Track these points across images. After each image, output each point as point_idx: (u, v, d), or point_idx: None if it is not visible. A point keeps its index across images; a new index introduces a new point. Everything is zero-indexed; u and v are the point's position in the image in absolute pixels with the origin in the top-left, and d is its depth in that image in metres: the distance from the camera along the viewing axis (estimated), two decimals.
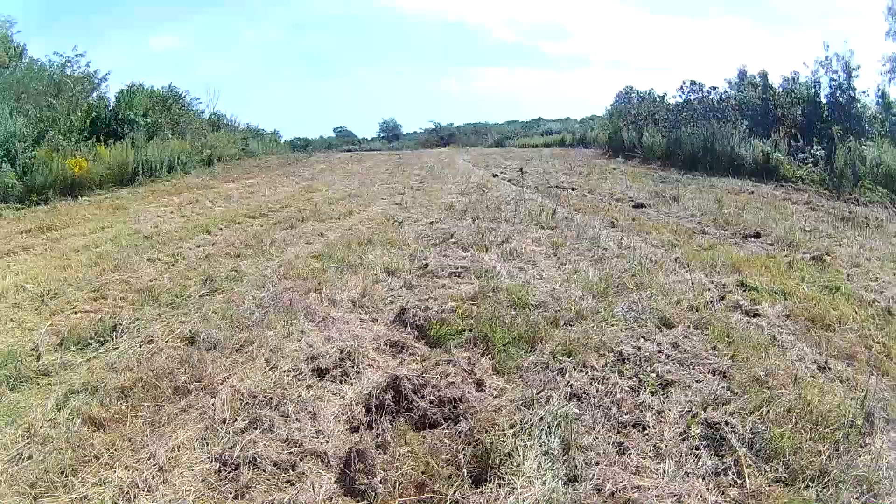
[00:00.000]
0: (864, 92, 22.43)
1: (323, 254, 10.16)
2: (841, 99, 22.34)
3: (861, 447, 4.45)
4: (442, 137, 53.74)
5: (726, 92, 27.39)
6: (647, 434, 4.68)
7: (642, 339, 6.31)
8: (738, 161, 20.97)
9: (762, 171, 19.99)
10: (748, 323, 6.92)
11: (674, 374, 5.58)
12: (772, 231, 11.49)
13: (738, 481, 4.13)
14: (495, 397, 5.29)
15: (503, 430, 4.56)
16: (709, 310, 7.21)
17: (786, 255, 9.80)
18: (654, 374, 5.57)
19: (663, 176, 20.87)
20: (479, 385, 5.43)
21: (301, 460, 4.48)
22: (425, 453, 4.47)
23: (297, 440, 4.71)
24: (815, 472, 4.12)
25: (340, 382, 5.72)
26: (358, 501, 4.09)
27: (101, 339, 6.66)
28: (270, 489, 4.21)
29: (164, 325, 7.03)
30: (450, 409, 5.02)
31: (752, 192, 16.85)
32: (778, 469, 4.20)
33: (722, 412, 4.88)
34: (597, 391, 5.28)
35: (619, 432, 4.70)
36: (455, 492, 4.04)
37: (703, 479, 4.16)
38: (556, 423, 4.66)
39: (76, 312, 7.54)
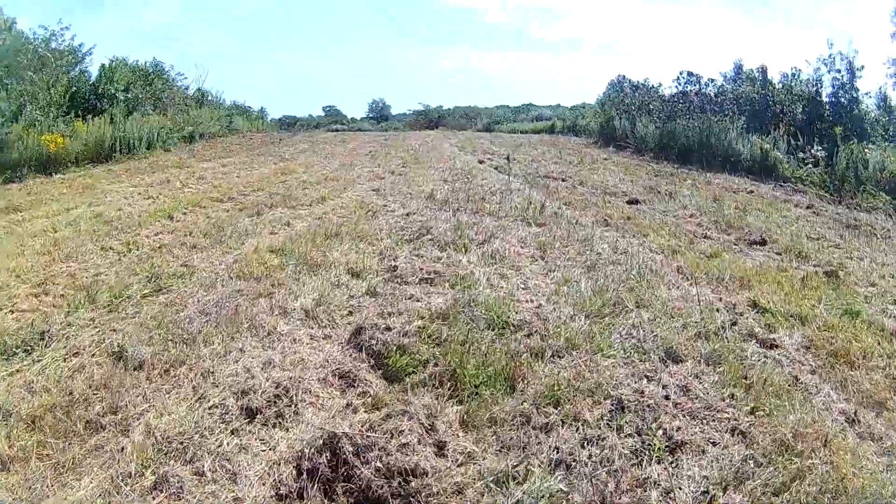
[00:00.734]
0: (866, 94, 21.64)
1: (284, 248, 9.11)
2: (843, 99, 21.38)
3: None
4: (431, 120, 52.20)
5: (723, 85, 26.45)
6: None
7: (645, 380, 5.12)
8: (734, 157, 19.92)
9: (760, 168, 19.04)
10: (765, 357, 5.79)
11: (684, 431, 4.38)
12: (778, 238, 10.45)
13: None
14: (459, 465, 4.08)
15: None
16: (721, 338, 6.04)
17: (796, 268, 8.76)
18: (660, 432, 4.36)
19: (657, 169, 19.77)
20: (441, 448, 4.19)
21: None
22: None
23: None
24: None
25: (273, 426, 4.62)
26: None
27: (28, 348, 5.87)
28: None
29: (95, 333, 6.19)
30: (399, 483, 3.82)
31: (752, 192, 15.81)
32: None
33: (744, 493, 3.78)
34: (589, 457, 4.09)
35: None
36: None
37: None
38: None
39: (13, 312, 6.85)
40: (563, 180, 16.57)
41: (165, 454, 4.20)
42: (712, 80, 27.20)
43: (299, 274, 7.97)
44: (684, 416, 4.60)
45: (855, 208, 14.40)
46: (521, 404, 4.74)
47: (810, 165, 18.21)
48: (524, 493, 3.69)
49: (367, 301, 7.05)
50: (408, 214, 11.44)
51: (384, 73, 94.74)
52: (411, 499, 3.74)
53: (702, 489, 3.81)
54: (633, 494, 3.76)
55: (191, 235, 10.02)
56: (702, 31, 77.28)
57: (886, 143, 18.34)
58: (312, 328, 6.39)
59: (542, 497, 3.65)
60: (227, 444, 4.32)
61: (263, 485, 3.95)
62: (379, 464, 3.91)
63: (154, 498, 3.78)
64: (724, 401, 4.86)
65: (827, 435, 4.35)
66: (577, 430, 4.39)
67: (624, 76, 37.93)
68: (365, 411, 4.80)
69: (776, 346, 6.04)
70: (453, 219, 10.44)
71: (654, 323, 6.30)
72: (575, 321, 6.23)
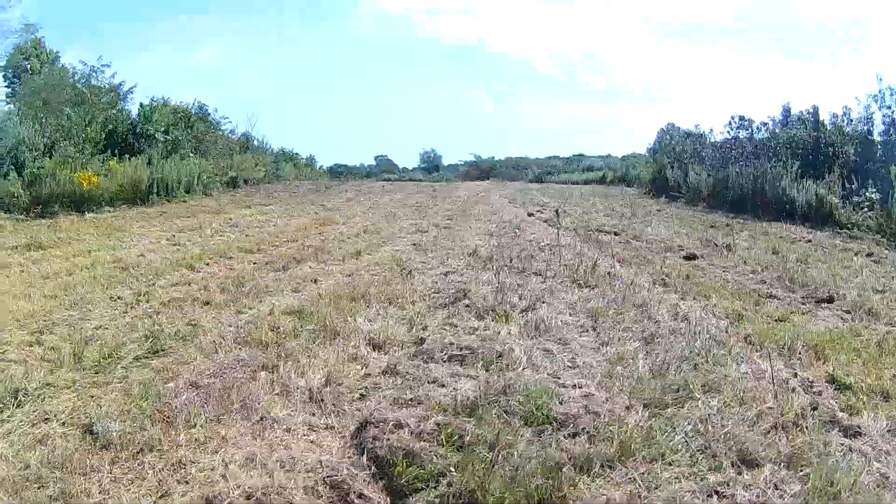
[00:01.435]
0: None
1: (303, 310, 8.09)
2: (895, 137, 20.26)
3: None
4: (482, 170, 52.38)
5: (774, 129, 25.19)
6: None
7: (715, 497, 3.97)
8: (789, 204, 18.94)
9: (815, 215, 18.05)
10: (850, 449, 4.69)
11: None
12: (844, 293, 9.31)
13: None
14: None
15: None
16: (801, 429, 4.92)
17: (869, 329, 7.66)
18: None
19: (711, 219, 18.74)
20: None
21: None
22: None
23: None
24: None
25: None
26: None
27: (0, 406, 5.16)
28: None
29: (72, 398, 5.41)
30: None
31: (810, 241, 14.80)
32: None
33: None
34: None
35: None
36: None
37: None
38: None
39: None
40: (615, 234, 15.48)
41: None
42: (764, 124, 26.04)
43: (313, 343, 6.95)
44: None
45: None
46: None
47: (865, 209, 17.19)
48: None
49: (384, 382, 5.96)
50: (447, 274, 10.37)
51: (437, 123, 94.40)
52: None
53: None
54: None
55: (207, 290, 9.14)
56: (748, 75, 75.91)
57: None
58: (314, 414, 5.31)
59: None
60: None
61: None
62: None
63: None
64: None
65: None
66: None
67: (673, 124, 37.98)
68: None
69: (860, 434, 4.97)
70: (495, 280, 9.31)
71: (723, 413, 5.13)
72: (631, 414, 5.04)
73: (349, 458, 4.54)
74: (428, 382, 5.79)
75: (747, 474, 4.25)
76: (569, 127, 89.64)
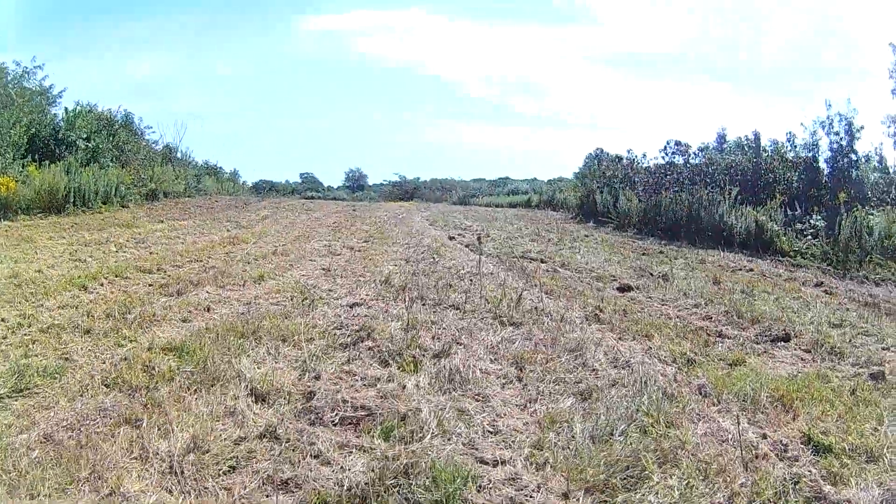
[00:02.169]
0: (865, 156, 20.59)
1: (186, 346, 6.79)
2: (842, 163, 19.90)
3: None
4: (406, 191, 51.42)
5: (713, 155, 24.38)
6: None
7: None
8: (727, 231, 18.11)
9: (756, 242, 17.31)
10: None
11: None
12: (800, 329, 8.46)
13: None
14: None
15: None
16: None
17: (835, 372, 6.83)
18: None
19: (643, 246, 17.61)
20: None
21: None
22: None
23: None
24: None
25: None
26: None
27: None
28: None
29: None
30: None
31: (752, 270, 13.92)
32: None
33: None
34: None
35: None
36: None
37: None
38: None
39: None
40: (542, 261, 14.22)
41: None
42: (702, 150, 25.21)
43: (188, 390, 5.69)
44: None
45: (863, 281, 13.13)
46: None
47: (809, 237, 16.80)
48: None
49: (260, 448, 4.64)
50: (353, 305, 8.95)
51: (363, 142, 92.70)
52: None
53: None
54: None
55: (90, 316, 7.95)
56: (686, 104, 75.70)
57: (889, 206, 17.01)
58: (171, 492, 4.06)
59: None
60: None
61: None
62: None
63: None
64: None
65: None
66: None
67: (602, 149, 37.99)
68: None
69: None
70: (406, 314, 7.97)
71: (688, 498, 3.95)
72: None
73: None
74: (311, 456, 4.48)
75: None
76: (498, 150, 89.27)
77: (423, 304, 8.98)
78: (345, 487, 3.91)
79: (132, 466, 4.29)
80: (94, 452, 4.38)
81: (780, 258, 15.66)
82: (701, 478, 4.15)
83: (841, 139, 19.75)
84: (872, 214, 16.37)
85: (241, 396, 5.50)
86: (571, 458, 4.46)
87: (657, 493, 3.93)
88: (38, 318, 7.79)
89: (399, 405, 5.23)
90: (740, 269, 13.89)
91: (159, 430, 4.81)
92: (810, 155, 20.64)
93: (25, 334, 7.21)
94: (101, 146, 23.54)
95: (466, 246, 16.42)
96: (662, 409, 5.28)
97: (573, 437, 4.80)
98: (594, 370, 6.43)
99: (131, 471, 4.23)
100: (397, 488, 3.91)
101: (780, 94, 62.49)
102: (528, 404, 5.56)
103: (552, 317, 8.53)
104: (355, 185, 61.79)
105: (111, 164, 23.57)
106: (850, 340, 7.89)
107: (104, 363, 6.34)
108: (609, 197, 24.74)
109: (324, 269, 12.19)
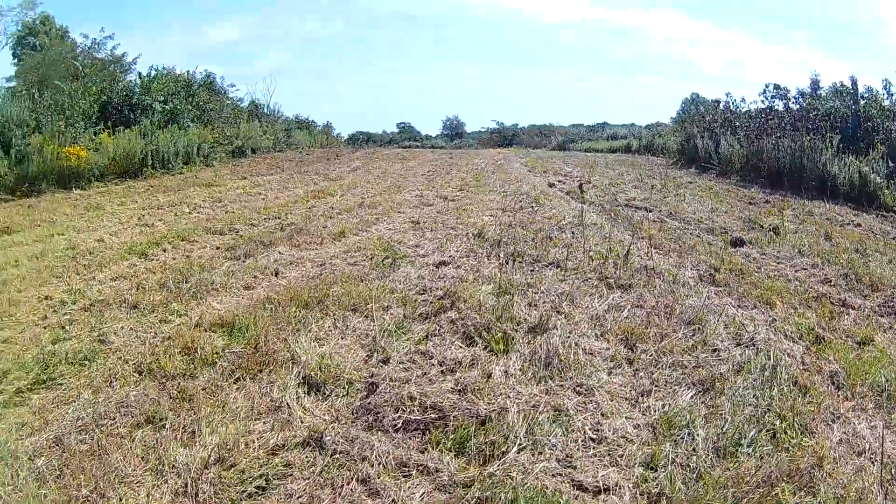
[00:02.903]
0: None
1: (239, 320, 5.85)
2: None
3: None
4: (505, 137, 50.00)
5: (812, 101, 22.43)
6: None
7: None
8: (830, 181, 16.43)
9: (859, 194, 15.59)
10: None
11: None
12: None
13: None
14: None
15: None
16: None
17: None
18: None
19: (748, 195, 16.12)
20: None
21: None
22: None
23: None
24: None
25: None
26: None
27: None
28: None
29: None
30: None
31: (859, 225, 12.31)
32: None
33: None
34: None
35: None
36: None
37: None
38: None
39: None
40: (647, 210, 12.89)
41: None
42: (801, 94, 23.20)
43: (230, 377, 4.80)
44: None
45: None
46: None
47: None
48: None
49: (299, 462, 3.71)
50: (440, 264, 7.85)
51: (461, 92, 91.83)
52: None
53: None
54: None
55: (141, 288, 7.15)
56: (770, 57, 73.14)
57: None
58: None
59: None
60: None
61: None
62: None
63: None
64: None
65: None
66: None
67: (697, 94, 37.19)
68: None
69: None
70: (501, 274, 6.89)
71: None
72: None
73: None
74: (358, 481, 3.42)
75: None
76: (594, 95, 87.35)
77: (520, 262, 7.84)
78: None
79: (142, 482, 3.53)
80: (103, 463, 3.66)
81: (885, 213, 14.05)
82: None
83: None
84: None
85: (290, 386, 4.55)
86: (692, 482, 3.36)
87: None
88: (84, 294, 7.08)
89: (480, 403, 4.14)
90: (848, 224, 12.42)
91: (184, 432, 4.01)
92: None
93: (66, 313, 6.51)
94: (179, 107, 22.86)
95: (567, 193, 15.16)
96: (795, 408, 4.28)
97: (694, 447, 3.72)
98: (715, 350, 5.30)
99: (139, 489, 3.46)
100: None
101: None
102: (641, 398, 4.44)
103: (664, 277, 7.35)
104: (453, 132, 60.34)
105: (191, 124, 22.95)
106: None
107: (143, 344, 5.56)
108: (710, 142, 23.19)
109: (413, 221, 11.12)
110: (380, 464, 3.51)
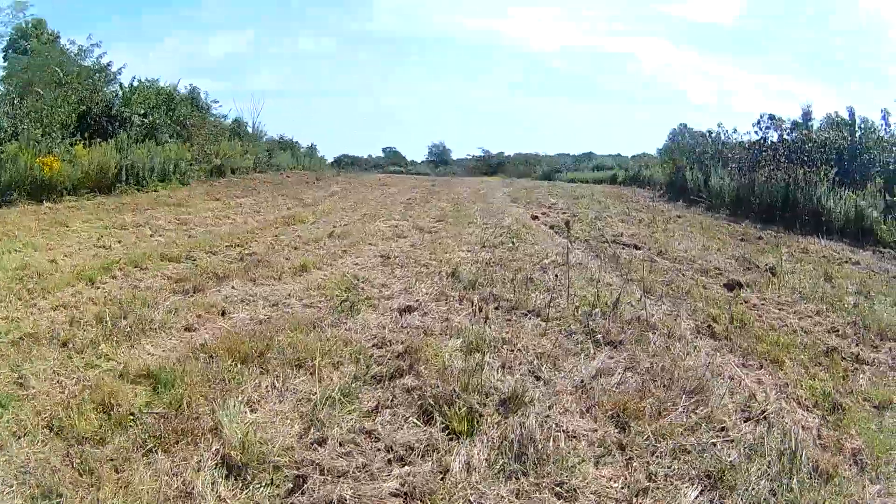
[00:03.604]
0: None
1: (166, 375, 5.00)
2: None
3: None
4: (490, 165, 49.73)
5: (808, 132, 21.75)
6: None
7: None
8: (824, 216, 15.85)
9: (854, 230, 15.10)
10: None
11: None
12: None
13: None
14: None
15: None
16: None
17: None
18: None
19: (740, 231, 15.45)
20: None
21: None
22: None
23: None
24: None
25: None
26: None
27: None
28: None
29: None
30: None
31: (857, 263, 11.91)
32: None
33: None
34: None
35: None
36: None
37: None
38: None
39: None
40: (635, 247, 12.12)
41: None
42: (796, 125, 22.51)
43: (144, 447, 4.03)
44: None
45: None
46: None
47: None
48: None
49: None
50: (405, 310, 6.95)
51: (446, 117, 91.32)
52: None
53: None
54: None
55: (76, 323, 6.36)
56: (760, 86, 73.03)
57: None
58: None
59: None
60: None
61: None
62: None
63: None
64: None
65: None
66: None
67: (685, 125, 36.60)
68: None
69: None
70: (472, 324, 6.09)
71: None
72: None
73: None
74: None
75: None
76: (580, 125, 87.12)
77: (496, 308, 7.03)
78: None
79: None
80: None
81: (882, 249, 13.60)
82: None
83: None
84: None
85: (206, 467, 3.75)
86: None
87: None
88: (20, 324, 6.33)
89: None
90: (846, 262, 11.91)
91: None
92: None
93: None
94: (158, 121, 22.11)
95: (551, 227, 14.41)
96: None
97: None
98: (723, 428, 4.47)
99: None
100: None
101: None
102: (635, 500, 3.58)
103: (658, 331, 6.51)
104: (438, 159, 59.65)
105: (170, 139, 22.17)
106: None
107: (63, 392, 4.83)
108: (700, 175, 22.69)
109: (383, 256, 10.26)
110: None
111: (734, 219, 17.67)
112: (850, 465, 4.09)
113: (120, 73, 23.50)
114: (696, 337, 6.57)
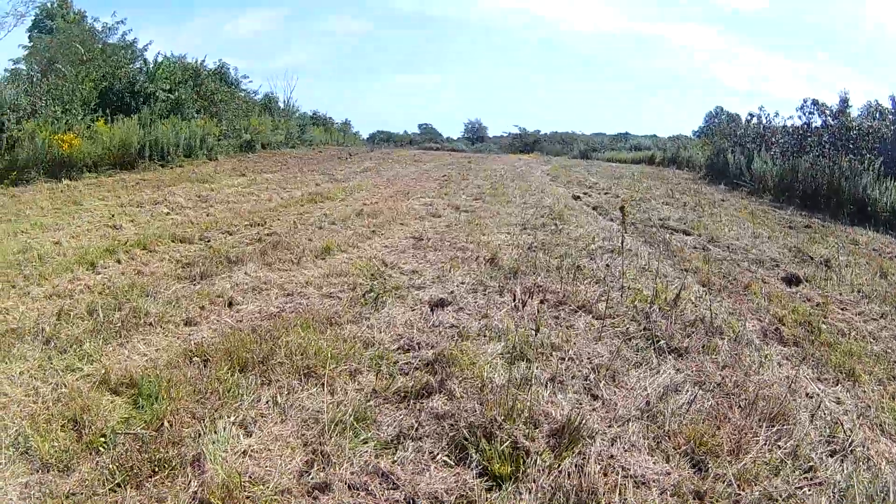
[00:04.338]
0: None
1: (150, 385, 4.19)
2: None
3: None
4: (526, 143, 49.11)
5: (854, 119, 20.76)
6: None
7: None
8: (870, 206, 15.13)
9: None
10: None
11: None
12: None
13: None
14: None
15: None
16: None
17: None
18: None
19: (786, 217, 14.61)
20: None
21: None
22: None
23: None
24: None
25: None
26: None
27: None
28: None
29: None
30: None
31: None
32: None
33: None
34: None
35: None
36: None
37: None
38: None
39: None
40: (685, 233, 11.15)
41: None
42: (843, 108, 21.49)
43: (112, 480, 3.28)
44: None
45: None
46: None
47: None
48: None
49: None
50: (437, 304, 6.01)
51: (484, 95, 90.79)
52: None
53: None
54: None
55: (65, 315, 5.63)
56: (795, 72, 71.67)
57: None
58: None
59: None
60: None
61: None
62: None
63: None
64: None
65: None
66: None
67: (721, 107, 37.89)
68: None
69: None
70: (516, 327, 5.20)
71: None
72: None
73: None
74: None
75: None
76: (613, 105, 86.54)
77: (542, 301, 6.13)
78: None
79: None
80: None
81: None
82: None
83: None
84: None
85: None
86: None
87: None
88: (7, 316, 5.68)
89: None
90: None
91: None
92: None
93: None
94: (184, 97, 21.67)
95: (594, 209, 13.46)
96: None
97: None
98: (810, 468, 3.61)
99: None
100: None
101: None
102: None
103: (724, 334, 5.64)
104: (475, 136, 59.28)
105: (196, 115, 21.63)
106: None
107: (35, 403, 4.11)
108: (742, 158, 21.69)
109: (415, 237, 9.34)
110: None
111: (778, 204, 16.90)
112: None
113: (146, 50, 23.31)
114: (765, 342, 5.74)
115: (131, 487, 3.11)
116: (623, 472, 3.25)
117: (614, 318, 5.75)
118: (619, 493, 3.07)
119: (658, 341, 5.20)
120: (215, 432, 3.53)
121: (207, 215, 10.81)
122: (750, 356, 5.18)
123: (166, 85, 20.94)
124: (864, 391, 4.85)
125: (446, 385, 4.12)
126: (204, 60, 25.05)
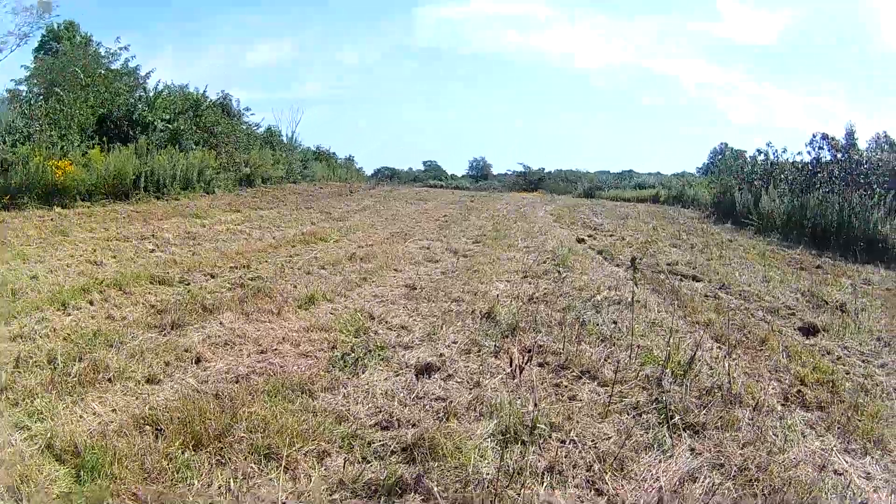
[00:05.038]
0: None
1: (94, 457, 3.71)
2: None
3: None
4: (531, 181, 48.75)
5: (863, 153, 20.72)
6: None
7: None
8: (881, 243, 14.89)
9: None
10: None
11: None
12: None
13: None
14: None
15: None
16: None
17: None
18: None
19: (796, 258, 14.30)
20: None
21: None
22: None
23: None
24: None
25: None
26: None
27: None
28: None
29: None
30: None
31: None
32: None
33: None
34: None
35: None
36: None
37: None
38: None
39: None
40: (694, 279, 10.69)
41: None
42: (852, 143, 21.31)
43: None
44: None
45: None
46: None
47: None
48: None
49: None
50: (423, 370, 5.43)
51: (487, 132, 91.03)
52: None
53: None
54: None
55: (22, 364, 5.24)
56: (803, 105, 71.99)
57: None
58: None
59: None
60: None
61: None
62: None
63: None
64: None
65: None
66: None
67: (726, 144, 38.95)
68: None
69: None
70: (511, 401, 4.61)
71: None
72: None
73: None
74: None
75: None
76: (620, 142, 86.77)
77: (541, 365, 5.62)
78: None
79: None
80: None
81: None
82: None
83: None
84: None
85: None
86: None
87: None
88: None
89: None
90: None
91: None
92: None
93: None
94: (182, 127, 21.73)
95: (599, 252, 13.03)
96: None
97: None
98: None
99: None
100: None
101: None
102: None
103: (743, 402, 5.11)
104: (479, 173, 59.56)
105: (195, 146, 21.38)
106: None
107: None
108: (749, 196, 21.43)
109: (408, 286, 8.86)
110: None
111: (787, 244, 16.62)
112: None
113: (148, 77, 23.19)
114: (787, 407, 5.23)
115: None
116: None
117: (622, 384, 5.17)
118: None
119: (672, 417, 4.61)
120: None
121: (193, 254, 10.47)
122: (771, 426, 4.69)
123: (166, 115, 20.78)
124: (895, 461, 4.42)
125: (422, 483, 3.47)
126: (205, 91, 24.88)
